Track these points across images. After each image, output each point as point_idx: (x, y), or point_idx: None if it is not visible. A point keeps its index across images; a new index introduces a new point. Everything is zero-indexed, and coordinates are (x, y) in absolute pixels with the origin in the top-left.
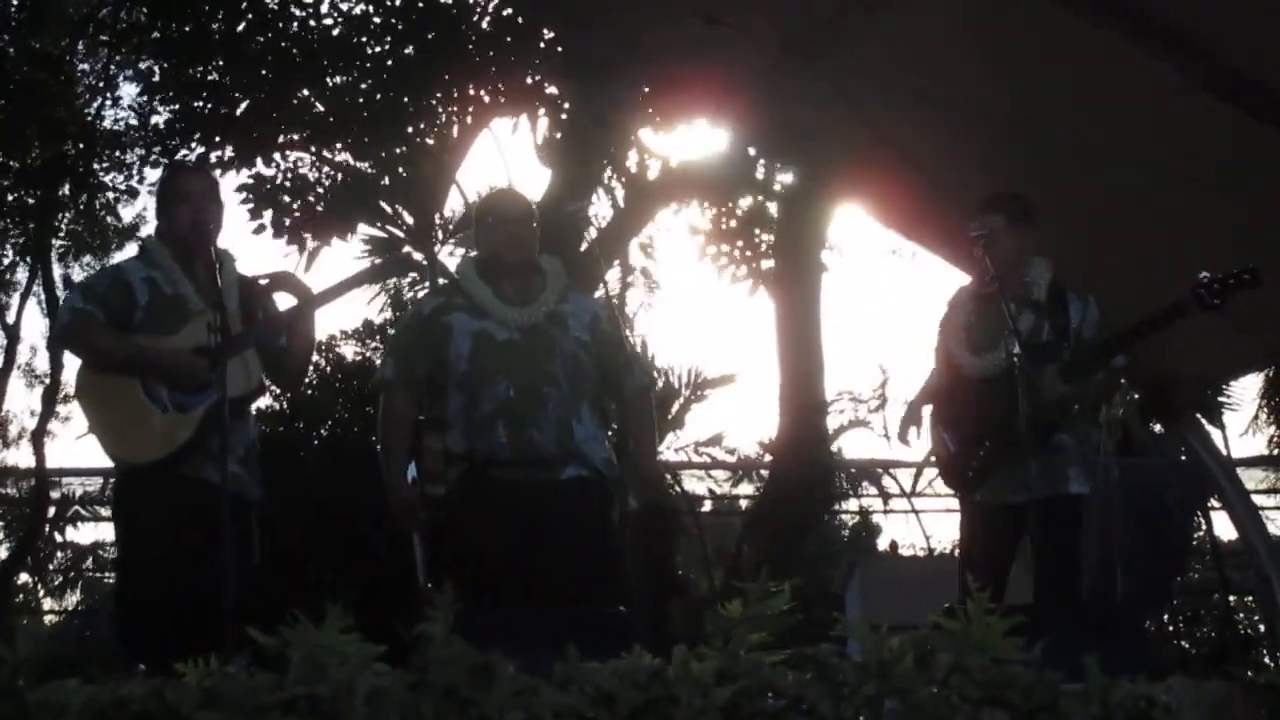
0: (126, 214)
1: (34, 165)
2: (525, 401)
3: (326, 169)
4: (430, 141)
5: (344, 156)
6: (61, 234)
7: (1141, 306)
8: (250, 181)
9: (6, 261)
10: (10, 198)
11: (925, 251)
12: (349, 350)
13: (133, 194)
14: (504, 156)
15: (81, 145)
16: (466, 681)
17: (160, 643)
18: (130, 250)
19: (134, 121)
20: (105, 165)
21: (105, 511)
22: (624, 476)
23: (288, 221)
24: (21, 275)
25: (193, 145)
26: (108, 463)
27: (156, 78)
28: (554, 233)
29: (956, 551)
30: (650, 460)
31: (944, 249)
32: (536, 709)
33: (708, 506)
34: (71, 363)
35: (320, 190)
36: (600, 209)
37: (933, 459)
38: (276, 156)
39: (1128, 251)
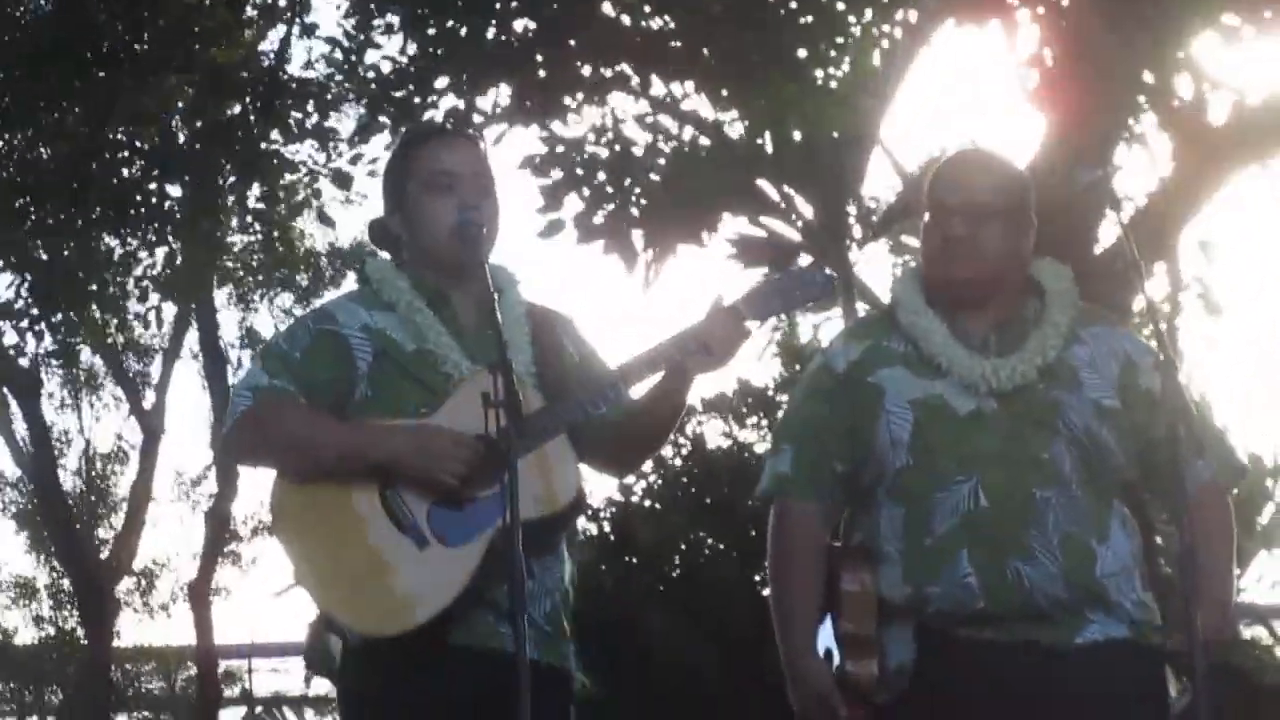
0: (345, 224)
1: (182, 144)
2: (1007, 514)
3: (665, 127)
4: (837, 75)
5: (694, 104)
6: (231, 255)
7: None
8: (539, 152)
9: (140, 309)
10: (147, 192)
11: None
12: (712, 431)
13: (343, 184)
14: (967, 92)
15: (257, 104)
16: None
17: None
18: (349, 283)
19: (339, 60)
20: (295, 133)
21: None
22: (1176, 631)
23: (601, 215)
24: (166, 327)
25: (436, 95)
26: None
27: None
28: (1056, 220)
29: None
30: (1224, 599)
31: None
32: None
33: None
34: (257, 479)
35: (659, 162)
36: (1133, 177)
37: None
38: (581, 105)
39: None
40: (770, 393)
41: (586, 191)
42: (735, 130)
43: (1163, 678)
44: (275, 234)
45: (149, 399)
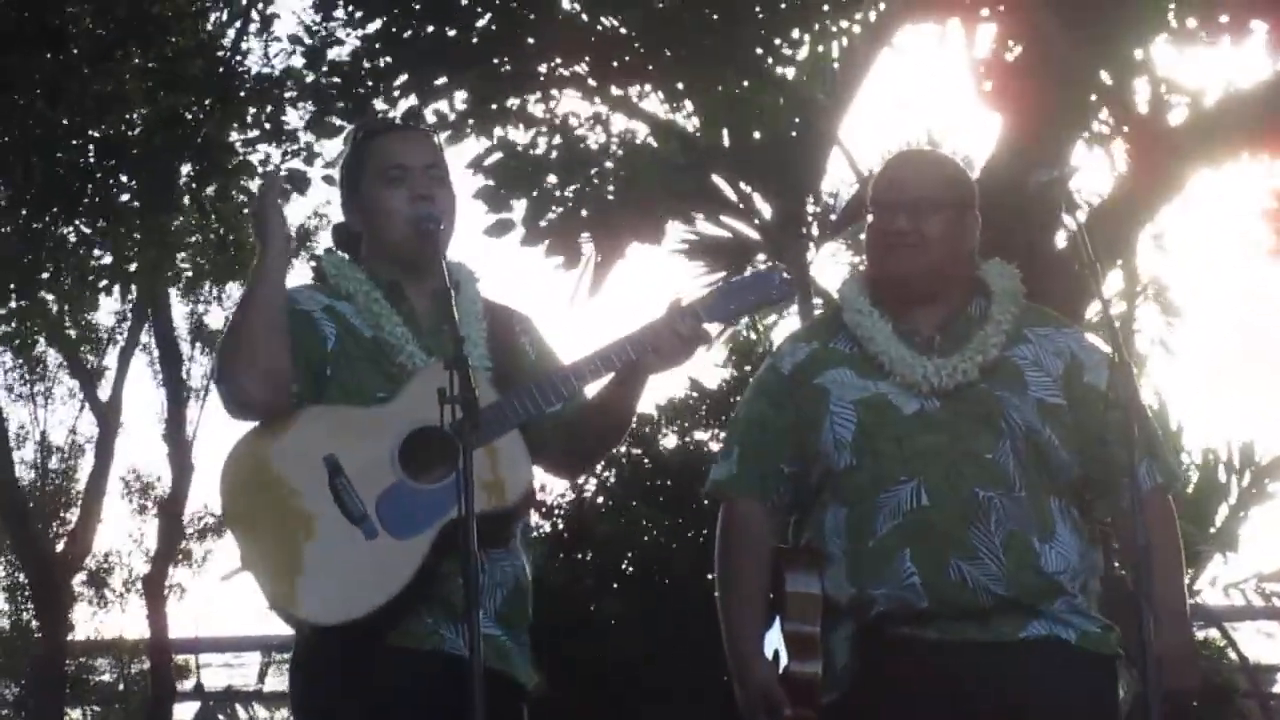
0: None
1: (137, 135)
2: (949, 514)
3: (619, 127)
4: (793, 72)
5: (651, 104)
6: (185, 253)
7: None
8: (488, 152)
9: (107, 308)
10: (98, 183)
11: None
12: (668, 437)
13: (299, 186)
14: (926, 92)
15: (209, 101)
16: None
17: None
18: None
19: (297, 60)
20: (252, 133)
21: (268, 715)
22: (1125, 640)
23: (549, 218)
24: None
25: (395, 93)
26: (268, 628)
27: None
28: (1012, 221)
29: None
30: (1177, 608)
31: None
32: None
33: None
34: (207, 473)
35: (607, 166)
36: (1089, 178)
37: None
38: (535, 103)
39: None
40: (723, 392)
41: (535, 193)
42: (690, 126)
43: (1112, 682)
44: (229, 235)
45: (105, 390)
